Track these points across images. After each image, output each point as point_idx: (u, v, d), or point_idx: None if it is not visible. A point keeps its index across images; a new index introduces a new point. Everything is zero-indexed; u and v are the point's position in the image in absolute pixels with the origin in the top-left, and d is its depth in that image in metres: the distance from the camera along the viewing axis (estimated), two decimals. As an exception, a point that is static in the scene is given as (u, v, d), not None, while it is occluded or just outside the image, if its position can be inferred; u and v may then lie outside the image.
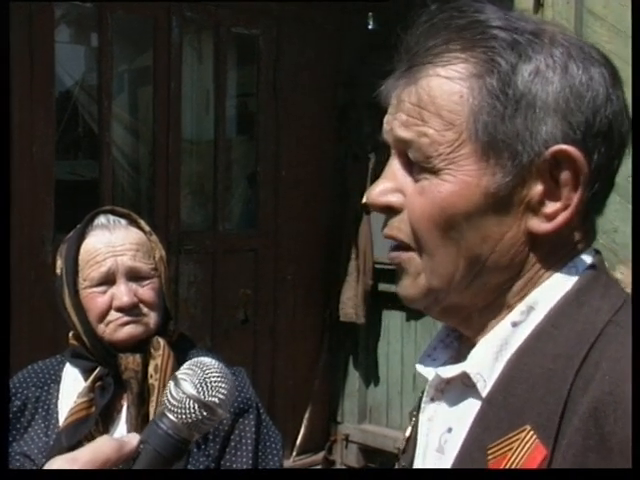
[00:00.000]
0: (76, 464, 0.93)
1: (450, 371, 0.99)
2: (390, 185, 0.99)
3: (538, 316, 0.96)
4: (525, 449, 0.89)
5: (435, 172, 0.95)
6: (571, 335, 0.92)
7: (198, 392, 0.99)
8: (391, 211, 1.00)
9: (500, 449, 0.90)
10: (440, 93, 0.95)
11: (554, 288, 0.97)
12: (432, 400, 1.03)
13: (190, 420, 0.98)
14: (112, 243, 1.95)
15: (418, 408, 1.07)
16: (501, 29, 0.95)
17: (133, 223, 2.01)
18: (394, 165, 1.00)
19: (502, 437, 0.90)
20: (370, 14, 5.18)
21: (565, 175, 0.94)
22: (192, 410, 0.98)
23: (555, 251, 0.97)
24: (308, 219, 5.47)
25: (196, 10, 5.13)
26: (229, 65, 5.51)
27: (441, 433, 1.01)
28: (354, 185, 5.37)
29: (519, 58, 0.94)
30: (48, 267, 4.13)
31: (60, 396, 2.01)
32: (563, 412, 0.88)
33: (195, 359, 1.03)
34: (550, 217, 0.95)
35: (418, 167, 0.97)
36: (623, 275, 4.12)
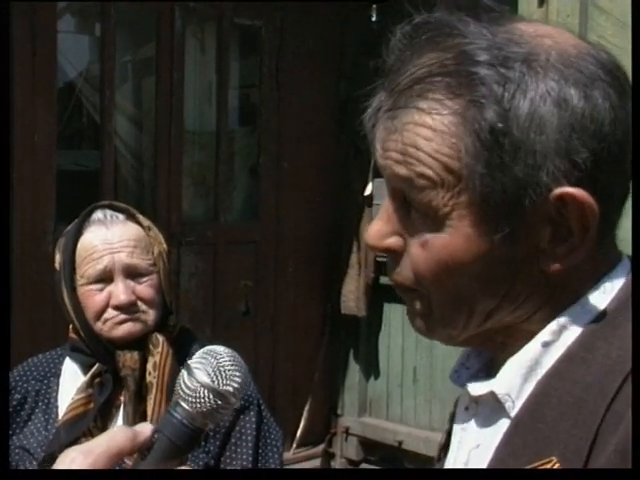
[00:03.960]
0: (91, 455, 0.92)
1: (479, 389, 0.96)
2: (387, 228, 0.96)
3: (571, 336, 0.91)
4: None
5: (436, 222, 0.91)
6: (605, 362, 0.88)
7: (212, 380, 0.97)
8: (392, 254, 0.97)
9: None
10: (431, 140, 0.89)
11: (587, 308, 0.92)
12: (466, 410, 1.00)
13: (204, 409, 0.97)
14: (109, 239, 1.92)
15: (453, 414, 1.05)
16: (489, 66, 0.87)
17: (131, 218, 1.98)
18: (389, 207, 0.96)
19: (526, 464, 0.87)
20: (373, 6, 5.16)
21: (573, 216, 0.88)
22: (206, 399, 0.97)
23: (576, 278, 0.92)
24: (309, 211, 5.46)
25: (199, 1, 5.12)
26: (232, 56, 5.50)
27: (471, 447, 0.98)
28: (356, 177, 5.36)
29: (512, 100, 0.86)
30: (49, 258, 4.11)
31: (60, 390, 2.00)
32: (591, 448, 0.84)
33: (208, 347, 1.02)
34: (561, 258, 0.90)
35: (418, 213, 0.92)
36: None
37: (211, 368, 0.98)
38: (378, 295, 5.37)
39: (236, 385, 0.99)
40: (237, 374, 0.99)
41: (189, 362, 1.00)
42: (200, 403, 0.97)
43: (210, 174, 5.49)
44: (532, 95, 0.87)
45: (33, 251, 4.41)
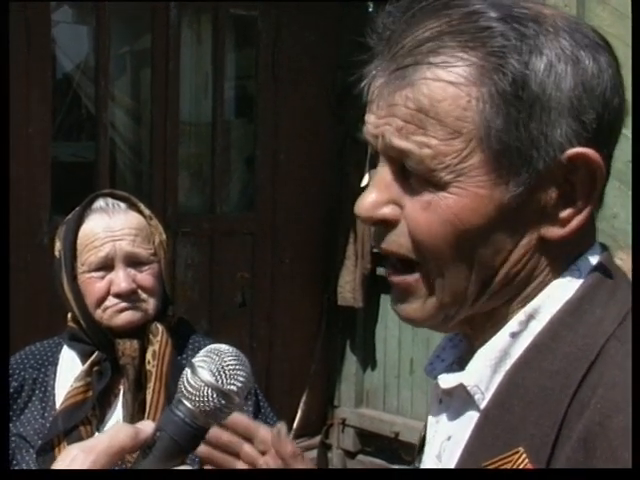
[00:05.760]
0: (93, 453, 0.91)
1: (449, 382, 0.95)
2: (383, 196, 0.91)
3: (538, 326, 0.90)
4: None
5: (441, 186, 0.87)
6: (571, 350, 0.87)
7: (216, 380, 0.96)
8: (386, 224, 0.91)
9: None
10: (444, 98, 0.86)
11: (556, 295, 0.90)
12: (440, 402, 0.99)
13: (208, 408, 0.96)
14: (111, 228, 1.93)
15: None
16: (503, 21, 0.86)
17: (133, 207, 1.99)
18: (384, 173, 0.91)
19: (496, 456, 0.86)
20: (370, -3, 5.15)
21: (582, 178, 0.87)
22: (210, 398, 0.96)
23: (563, 254, 0.91)
24: (306, 202, 5.46)
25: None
26: (228, 47, 5.48)
27: (443, 439, 0.96)
28: (353, 168, 5.35)
29: (530, 54, 0.85)
30: (44, 249, 4.13)
31: (57, 378, 2.00)
32: (557, 437, 0.83)
33: (212, 346, 1.00)
34: (564, 222, 0.88)
35: (418, 178, 0.89)
36: (622, 261, 4.11)
37: (215, 367, 0.97)
38: (375, 286, 5.36)
39: (240, 384, 0.97)
40: (241, 373, 0.98)
41: (193, 360, 0.99)
42: (203, 402, 0.96)
43: (206, 165, 5.48)
44: (548, 52, 0.86)
45: (28, 242, 4.40)
